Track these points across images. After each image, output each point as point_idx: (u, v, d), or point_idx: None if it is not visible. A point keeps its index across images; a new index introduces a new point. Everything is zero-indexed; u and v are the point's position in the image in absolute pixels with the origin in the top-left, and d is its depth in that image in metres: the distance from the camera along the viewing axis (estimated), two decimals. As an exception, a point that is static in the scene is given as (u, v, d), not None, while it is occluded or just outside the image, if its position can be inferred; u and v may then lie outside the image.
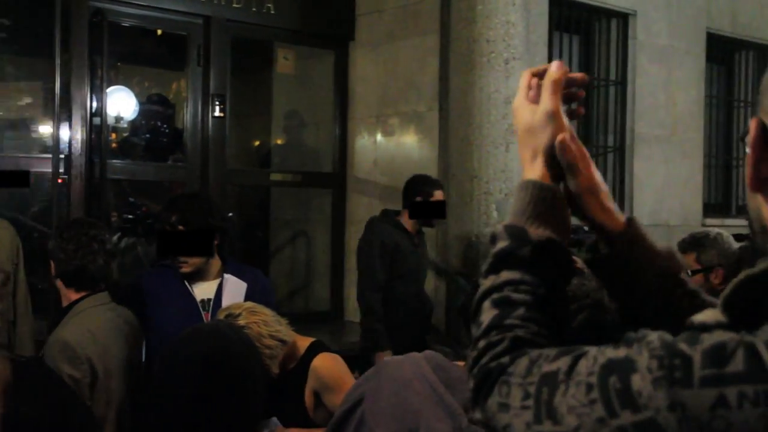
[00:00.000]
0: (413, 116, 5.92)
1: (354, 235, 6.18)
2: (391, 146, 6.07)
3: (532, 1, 5.78)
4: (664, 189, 6.93)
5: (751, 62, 7.95)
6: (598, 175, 1.14)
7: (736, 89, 7.95)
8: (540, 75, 1.12)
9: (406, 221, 4.60)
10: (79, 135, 5.00)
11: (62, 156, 4.93)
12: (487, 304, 1.01)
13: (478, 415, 0.96)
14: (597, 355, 0.87)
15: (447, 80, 5.52)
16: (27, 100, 5.87)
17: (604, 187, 1.14)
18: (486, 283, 1.03)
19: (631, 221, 1.15)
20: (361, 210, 6.18)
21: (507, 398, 0.92)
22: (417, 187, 4.65)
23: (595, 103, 6.76)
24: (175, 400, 1.67)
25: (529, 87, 1.12)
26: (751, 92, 7.91)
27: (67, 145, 4.97)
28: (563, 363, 0.89)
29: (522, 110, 1.11)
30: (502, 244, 1.04)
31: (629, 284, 1.15)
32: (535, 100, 1.10)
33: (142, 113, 6.34)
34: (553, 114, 1.08)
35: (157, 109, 6.44)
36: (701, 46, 7.27)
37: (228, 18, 5.73)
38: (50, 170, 4.89)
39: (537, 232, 1.03)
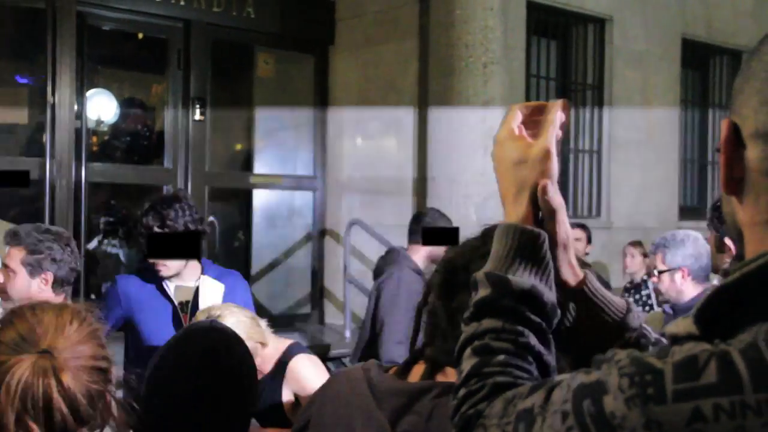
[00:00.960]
0: (392, 120, 5.97)
1: (333, 238, 6.23)
2: (371, 149, 6.12)
3: (510, 6, 5.85)
4: (640, 192, 7.02)
5: (725, 67, 8.08)
6: (570, 229, 1.12)
7: (710, 94, 8.07)
8: (533, 111, 1.09)
9: (419, 258, 4.18)
10: (65, 138, 5.01)
11: (48, 159, 4.94)
12: (467, 352, 1.00)
13: None
14: (570, 382, 0.85)
15: (426, 84, 5.58)
16: (14, 103, 5.85)
17: (572, 242, 1.13)
18: (468, 330, 1.01)
19: (586, 276, 1.13)
20: (341, 212, 6.22)
21: None
22: (428, 219, 4.29)
23: (571, 107, 6.84)
24: (175, 396, 1.70)
25: (522, 121, 1.08)
26: (725, 97, 8.04)
27: (54, 148, 4.97)
28: (538, 397, 0.87)
29: (511, 143, 1.07)
30: (483, 293, 1.02)
31: (588, 336, 1.13)
32: (532, 135, 1.07)
33: (122, 116, 6.33)
34: (551, 153, 1.05)
35: (137, 112, 6.44)
36: (677, 52, 7.38)
37: (208, 22, 5.76)
38: (37, 173, 4.91)
39: (519, 280, 1.01)
